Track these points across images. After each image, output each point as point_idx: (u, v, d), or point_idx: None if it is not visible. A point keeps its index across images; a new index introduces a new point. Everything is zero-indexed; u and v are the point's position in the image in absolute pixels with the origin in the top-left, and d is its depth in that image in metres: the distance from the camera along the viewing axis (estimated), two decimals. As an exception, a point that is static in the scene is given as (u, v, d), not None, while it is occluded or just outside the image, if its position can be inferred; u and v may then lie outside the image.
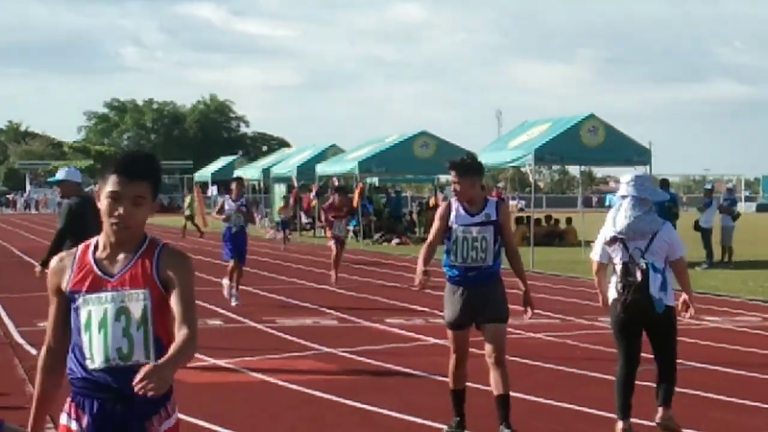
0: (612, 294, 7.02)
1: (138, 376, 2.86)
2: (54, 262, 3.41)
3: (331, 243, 18.76)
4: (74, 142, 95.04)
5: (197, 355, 10.94)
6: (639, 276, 6.63)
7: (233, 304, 14.83)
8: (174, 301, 3.19)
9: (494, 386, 6.63)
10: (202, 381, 9.23)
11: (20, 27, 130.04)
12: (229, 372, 10.05)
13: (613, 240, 6.85)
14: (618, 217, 6.91)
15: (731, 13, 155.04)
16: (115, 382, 3.11)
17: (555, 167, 53.72)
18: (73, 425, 3.18)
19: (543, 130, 26.28)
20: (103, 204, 3.20)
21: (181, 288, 3.20)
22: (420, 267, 6.69)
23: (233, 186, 16.35)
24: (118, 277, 3.16)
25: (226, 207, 15.32)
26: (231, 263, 15.16)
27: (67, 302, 3.26)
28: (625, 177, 7.77)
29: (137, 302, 3.10)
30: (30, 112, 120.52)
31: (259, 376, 9.93)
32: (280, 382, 9.55)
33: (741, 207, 35.07)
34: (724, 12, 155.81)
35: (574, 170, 39.52)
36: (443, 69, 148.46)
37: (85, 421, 3.16)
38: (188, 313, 3.18)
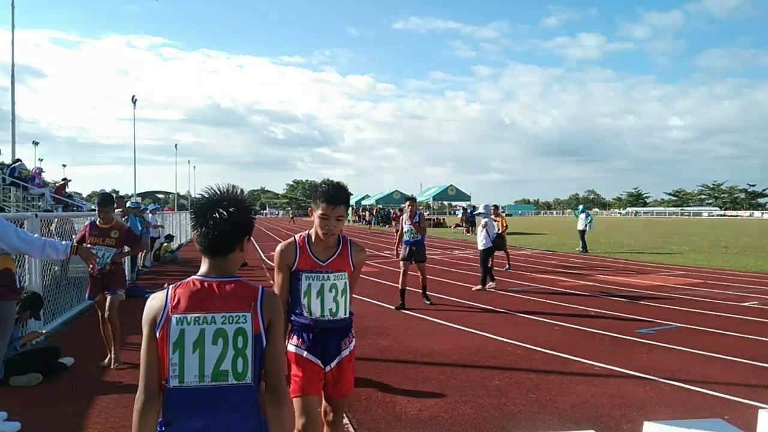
0: (486, 244, 11.74)
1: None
2: (281, 246, 3.51)
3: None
4: (282, 194, 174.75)
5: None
6: (493, 236, 11.58)
7: None
8: (354, 276, 3.59)
9: (421, 284, 10.50)
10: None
11: (262, 156, 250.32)
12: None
13: (484, 226, 11.53)
14: (483, 219, 11.63)
15: (515, 134, 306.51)
16: (327, 324, 3.47)
17: (438, 202, 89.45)
18: (299, 350, 3.49)
19: (435, 189, 46.95)
20: (316, 220, 3.40)
21: (358, 269, 3.64)
22: (397, 247, 10.48)
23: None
24: (327, 263, 3.46)
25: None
26: None
27: (289, 276, 3.43)
28: (480, 205, 12.26)
29: (341, 280, 3.47)
30: (267, 185, 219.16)
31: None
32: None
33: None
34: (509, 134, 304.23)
35: (445, 203, 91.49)
36: (402, 170, 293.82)
37: (304, 345, 3.47)
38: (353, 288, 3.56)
